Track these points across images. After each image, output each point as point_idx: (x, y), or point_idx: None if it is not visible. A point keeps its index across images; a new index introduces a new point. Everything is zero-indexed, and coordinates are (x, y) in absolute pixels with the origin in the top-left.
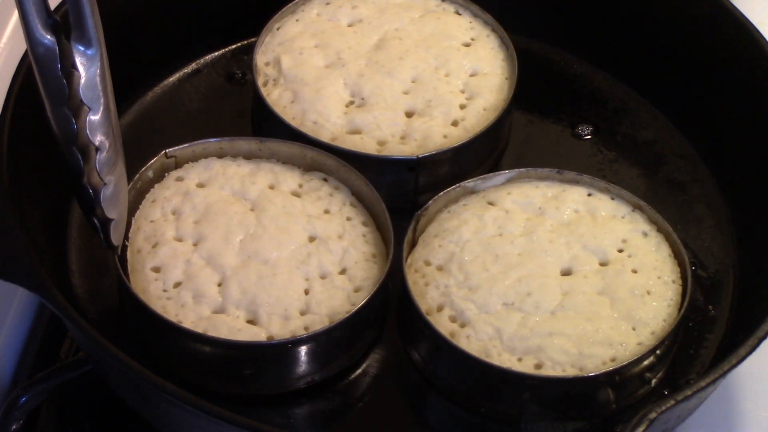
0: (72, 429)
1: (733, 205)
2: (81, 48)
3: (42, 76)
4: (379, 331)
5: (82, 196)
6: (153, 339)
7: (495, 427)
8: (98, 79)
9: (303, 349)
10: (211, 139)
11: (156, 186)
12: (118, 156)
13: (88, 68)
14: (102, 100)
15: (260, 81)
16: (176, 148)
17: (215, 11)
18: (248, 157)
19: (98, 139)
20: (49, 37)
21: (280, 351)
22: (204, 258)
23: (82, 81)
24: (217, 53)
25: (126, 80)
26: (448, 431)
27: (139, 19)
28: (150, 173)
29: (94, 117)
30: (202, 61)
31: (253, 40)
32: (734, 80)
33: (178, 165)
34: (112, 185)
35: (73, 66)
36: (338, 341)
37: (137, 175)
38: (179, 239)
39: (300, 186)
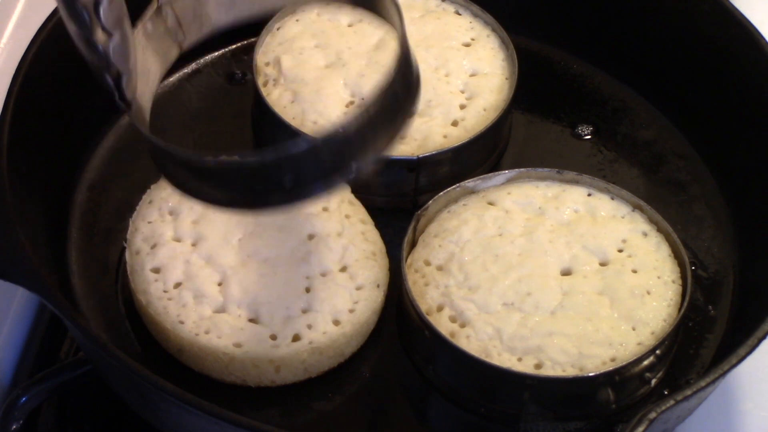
0: (72, 429)
1: (733, 205)
2: None
3: None
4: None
5: (93, 56)
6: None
7: (495, 427)
8: None
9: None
10: None
11: (152, 187)
12: (122, 9)
13: None
14: None
15: (260, 81)
16: None
17: None
18: None
19: None
20: None
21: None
22: (203, 258)
23: None
24: (217, 53)
25: None
26: (448, 431)
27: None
28: (149, 26)
29: None
30: (202, 61)
31: (253, 40)
32: (734, 80)
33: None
34: (118, 36)
35: None
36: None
37: (135, 28)
38: (178, 239)
39: None
